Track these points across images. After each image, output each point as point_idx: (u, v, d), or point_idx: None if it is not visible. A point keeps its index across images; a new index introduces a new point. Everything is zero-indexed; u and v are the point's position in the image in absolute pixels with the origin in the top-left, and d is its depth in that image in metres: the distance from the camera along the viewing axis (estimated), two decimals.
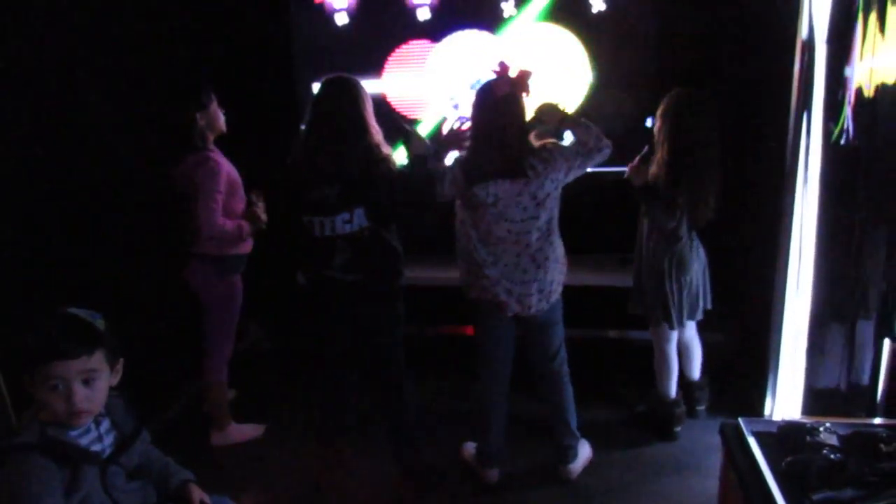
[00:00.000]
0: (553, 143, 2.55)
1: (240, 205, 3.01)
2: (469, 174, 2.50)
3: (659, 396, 3.13)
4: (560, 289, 2.67)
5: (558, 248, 2.63)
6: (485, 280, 2.58)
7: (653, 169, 2.86)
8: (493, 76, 2.52)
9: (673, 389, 3.11)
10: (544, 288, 2.59)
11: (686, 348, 3.19)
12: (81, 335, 1.49)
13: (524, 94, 2.51)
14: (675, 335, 3.06)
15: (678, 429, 3.10)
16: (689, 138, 2.76)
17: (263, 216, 3.00)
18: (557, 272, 2.63)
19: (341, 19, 3.90)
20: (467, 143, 2.56)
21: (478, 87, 2.60)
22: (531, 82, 2.52)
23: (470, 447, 2.98)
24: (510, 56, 2.57)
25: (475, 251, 2.57)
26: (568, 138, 2.72)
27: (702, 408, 3.27)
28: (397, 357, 2.68)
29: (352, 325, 2.66)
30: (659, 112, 2.88)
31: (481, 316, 2.70)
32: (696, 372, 3.25)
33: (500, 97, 2.47)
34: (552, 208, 2.55)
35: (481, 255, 2.56)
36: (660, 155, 2.84)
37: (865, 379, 2.23)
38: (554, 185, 2.52)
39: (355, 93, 2.50)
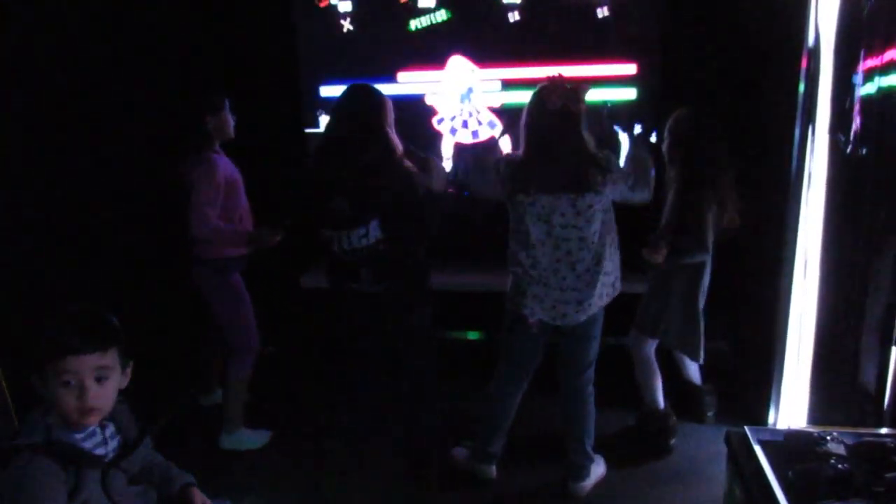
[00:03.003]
0: (607, 156, 2.49)
1: (239, 207, 3.01)
2: (516, 181, 2.48)
3: (648, 409, 3.07)
4: (602, 303, 2.59)
5: (607, 263, 2.53)
6: (521, 295, 2.55)
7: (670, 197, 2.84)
8: (546, 88, 2.47)
9: (661, 399, 3.05)
10: (583, 300, 2.52)
11: (679, 355, 3.15)
12: (97, 330, 1.49)
13: (580, 108, 2.46)
14: (651, 342, 3.02)
15: (673, 441, 3.04)
16: (705, 152, 2.78)
17: (269, 239, 2.98)
18: (602, 286, 2.54)
19: (346, 23, 3.90)
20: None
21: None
22: (586, 96, 2.47)
23: (460, 452, 2.95)
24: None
25: (517, 254, 2.55)
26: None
27: (711, 413, 3.22)
28: (427, 362, 2.67)
29: (378, 334, 2.65)
30: (668, 128, 2.89)
31: (513, 321, 2.64)
32: (697, 376, 3.22)
33: (552, 111, 2.43)
34: (598, 221, 2.48)
35: (521, 258, 2.53)
36: (677, 172, 2.82)
37: (872, 388, 2.22)
38: (598, 197, 2.45)
39: (375, 102, 2.49)
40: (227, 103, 2.98)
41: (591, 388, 2.75)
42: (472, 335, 4.21)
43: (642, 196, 2.53)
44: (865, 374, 2.30)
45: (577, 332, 2.62)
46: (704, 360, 3.00)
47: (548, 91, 2.45)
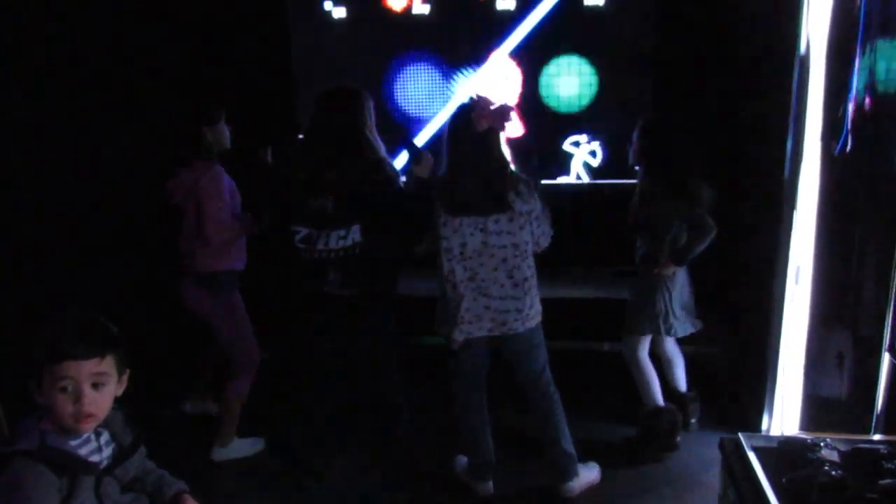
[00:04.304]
0: (528, 182, 2.55)
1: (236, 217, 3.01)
2: (445, 203, 2.51)
3: (650, 410, 3.08)
4: (538, 317, 2.66)
5: (534, 275, 2.62)
6: (459, 313, 2.56)
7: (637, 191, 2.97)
8: (473, 109, 2.49)
9: (660, 397, 3.08)
10: (522, 309, 2.58)
11: (669, 360, 3.20)
12: (96, 336, 1.48)
13: (502, 129, 2.51)
14: (645, 344, 3.07)
15: (679, 438, 3.05)
16: (670, 150, 2.87)
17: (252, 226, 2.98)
18: (535, 297, 2.62)
19: (340, 28, 3.91)
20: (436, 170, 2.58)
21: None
22: (510, 118, 2.52)
23: (462, 461, 2.96)
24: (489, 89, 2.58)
25: (453, 272, 2.54)
26: None
27: (694, 420, 3.25)
28: (390, 366, 2.69)
29: (348, 337, 2.66)
30: (636, 134, 2.99)
31: (458, 348, 2.67)
32: (682, 384, 3.25)
33: (479, 132, 2.47)
34: (527, 231, 2.55)
35: (458, 276, 2.54)
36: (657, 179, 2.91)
37: (864, 394, 2.23)
38: (528, 207, 2.52)
39: (355, 104, 2.49)
40: (223, 115, 2.98)
41: (552, 389, 2.76)
42: None
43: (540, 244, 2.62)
44: (858, 381, 2.31)
45: (519, 343, 2.64)
46: (696, 365, 3.04)
47: (476, 113, 2.48)
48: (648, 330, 3.04)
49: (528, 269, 2.59)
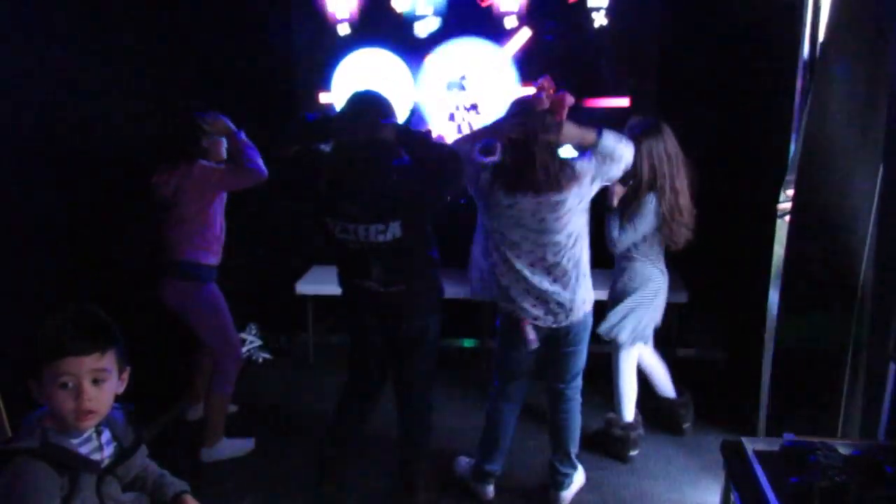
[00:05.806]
0: (570, 161, 2.52)
1: (222, 218, 3.05)
2: (498, 181, 2.49)
3: (617, 420, 3.08)
4: (586, 307, 2.60)
5: (582, 266, 2.57)
6: (502, 289, 2.56)
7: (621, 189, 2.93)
8: (536, 91, 2.53)
9: (633, 413, 3.07)
10: (564, 303, 2.54)
11: (650, 369, 3.18)
12: (96, 331, 1.48)
13: (559, 116, 2.51)
14: (636, 356, 3.04)
15: (634, 453, 3.05)
16: (659, 156, 2.81)
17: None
18: (582, 288, 2.57)
19: (343, 30, 3.91)
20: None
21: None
22: (566, 108, 2.53)
23: (463, 462, 2.96)
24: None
25: (490, 254, 2.56)
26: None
27: (687, 425, 3.23)
28: (428, 370, 2.66)
29: (389, 335, 2.63)
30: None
31: (506, 329, 2.65)
32: (670, 390, 3.22)
33: (541, 113, 2.47)
34: (576, 224, 2.51)
35: (494, 258, 2.55)
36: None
37: (868, 400, 2.23)
38: (577, 199, 2.48)
39: (384, 110, 2.47)
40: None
41: (579, 398, 2.75)
42: (468, 343, 4.22)
43: (627, 158, 2.52)
44: (862, 386, 2.31)
45: (564, 340, 2.61)
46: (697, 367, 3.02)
47: (539, 97, 2.50)
48: (642, 337, 3.01)
49: (569, 262, 2.53)
